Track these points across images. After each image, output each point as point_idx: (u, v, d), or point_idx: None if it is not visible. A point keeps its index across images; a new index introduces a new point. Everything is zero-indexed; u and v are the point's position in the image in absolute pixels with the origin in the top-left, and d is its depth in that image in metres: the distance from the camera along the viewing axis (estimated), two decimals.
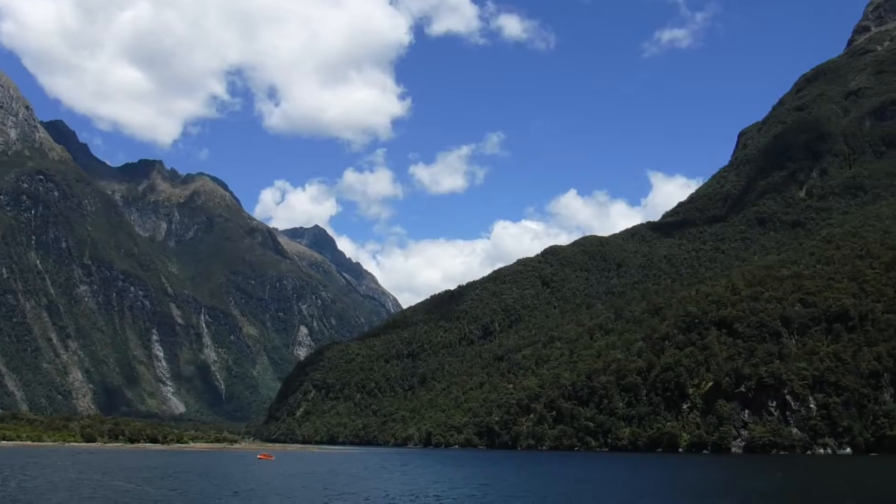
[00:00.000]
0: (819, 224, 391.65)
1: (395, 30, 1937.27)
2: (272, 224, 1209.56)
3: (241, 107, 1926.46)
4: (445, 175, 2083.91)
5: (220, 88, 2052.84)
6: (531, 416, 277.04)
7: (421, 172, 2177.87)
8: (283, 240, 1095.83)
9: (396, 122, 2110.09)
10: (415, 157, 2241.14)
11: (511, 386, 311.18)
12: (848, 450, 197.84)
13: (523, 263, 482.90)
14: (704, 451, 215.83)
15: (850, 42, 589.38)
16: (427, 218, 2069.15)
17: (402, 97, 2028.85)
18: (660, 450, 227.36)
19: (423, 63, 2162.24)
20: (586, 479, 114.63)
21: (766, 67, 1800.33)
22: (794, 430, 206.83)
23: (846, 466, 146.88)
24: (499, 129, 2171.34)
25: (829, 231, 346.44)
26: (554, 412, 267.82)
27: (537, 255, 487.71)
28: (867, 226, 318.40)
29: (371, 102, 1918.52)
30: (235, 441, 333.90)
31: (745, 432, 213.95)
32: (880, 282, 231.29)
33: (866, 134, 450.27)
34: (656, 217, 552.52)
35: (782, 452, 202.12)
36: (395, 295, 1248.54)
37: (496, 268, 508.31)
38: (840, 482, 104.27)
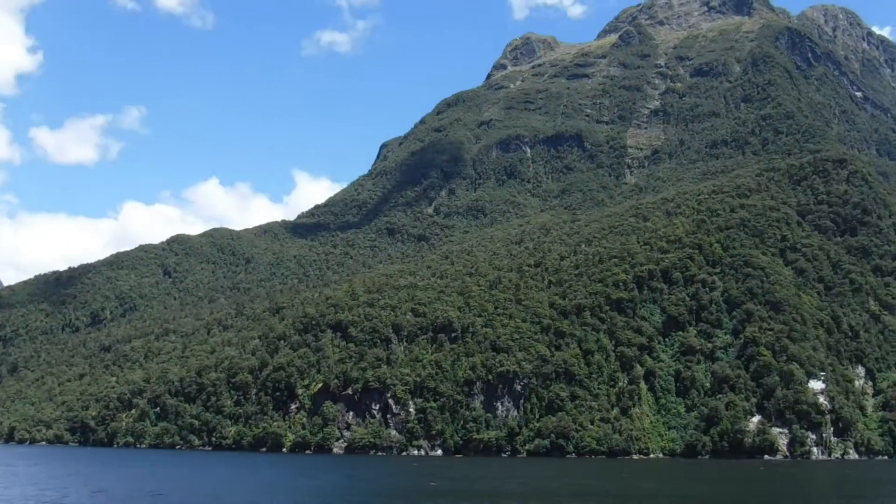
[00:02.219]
0: (442, 240, 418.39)
1: None
2: None
3: None
4: (74, 144, 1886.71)
5: None
6: (132, 411, 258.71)
7: (44, 137, 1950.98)
8: None
9: (22, 78, 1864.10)
10: (39, 119, 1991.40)
11: (114, 379, 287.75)
12: (439, 451, 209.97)
13: (145, 250, 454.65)
14: (308, 452, 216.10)
15: (488, 76, 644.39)
16: (47, 189, 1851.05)
17: (32, 50, 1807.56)
18: (264, 449, 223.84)
19: (61, 17, 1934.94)
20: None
21: (414, 85, 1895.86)
22: (393, 433, 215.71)
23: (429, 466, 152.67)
24: (141, 102, 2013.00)
25: (449, 247, 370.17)
26: (158, 408, 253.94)
27: (162, 243, 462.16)
28: (481, 246, 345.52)
29: None
30: None
31: (347, 433, 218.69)
32: (483, 298, 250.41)
33: (492, 162, 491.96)
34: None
35: (381, 454, 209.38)
36: None
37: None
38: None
